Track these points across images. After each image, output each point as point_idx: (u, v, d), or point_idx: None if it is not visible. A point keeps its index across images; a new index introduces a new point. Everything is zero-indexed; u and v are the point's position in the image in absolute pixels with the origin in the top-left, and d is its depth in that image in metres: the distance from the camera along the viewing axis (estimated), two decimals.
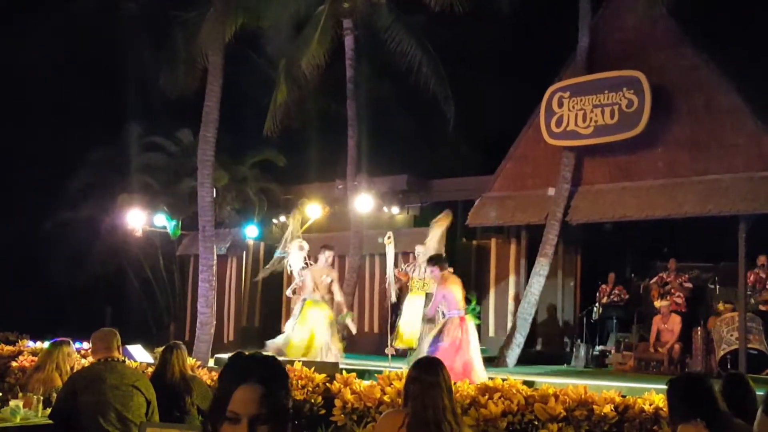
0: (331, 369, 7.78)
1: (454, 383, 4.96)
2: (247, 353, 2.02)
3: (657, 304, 11.61)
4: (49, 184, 18.52)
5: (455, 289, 8.24)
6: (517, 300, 12.38)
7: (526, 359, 11.63)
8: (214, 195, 12.36)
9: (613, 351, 11.87)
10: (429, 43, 13.52)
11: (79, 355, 7.62)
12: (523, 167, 12.87)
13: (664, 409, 5.37)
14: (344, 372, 7.47)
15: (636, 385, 7.51)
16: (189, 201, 16.04)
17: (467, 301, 8.45)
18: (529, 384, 6.85)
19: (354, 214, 13.14)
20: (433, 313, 8.94)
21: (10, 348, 10.58)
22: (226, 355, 10.06)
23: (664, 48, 11.66)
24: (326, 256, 9.81)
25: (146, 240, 16.63)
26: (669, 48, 11.63)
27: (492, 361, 10.73)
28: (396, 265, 10.74)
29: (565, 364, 12.08)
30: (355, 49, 13.43)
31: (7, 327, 14.45)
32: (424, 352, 8.16)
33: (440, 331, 8.18)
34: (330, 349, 9.56)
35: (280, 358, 7.92)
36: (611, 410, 5.63)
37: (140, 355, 9.60)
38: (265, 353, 2.05)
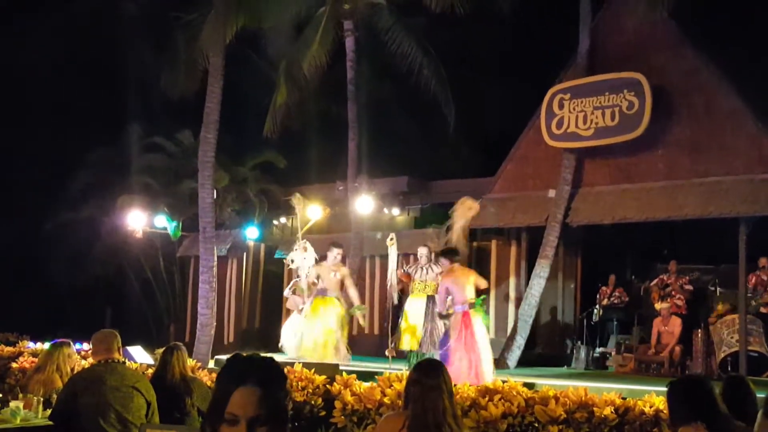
0: (331, 370, 7.77)
1: (455, 384, 4.96)
2: (245, 355, 2.02)
3: (657, 306, 11.60)
4: (50, 184, 18.54)
5: (459, 282, 8.17)
6: (518, 302, 12.37)
7: (527, 361, 11.62)
8: (215, 196, 12.37)
9: (613, 353, 11.86)
10: (429, 44, 13.53)
11: (79, 357, 7.61)
12: (524, 169, 12.87)
13: (665, 412, 5.36)
14: (344, 373, 7.47)
15: (636, 387, 7.50)
16: (189, 202, 16.07)
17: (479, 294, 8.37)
18: (530, 386, 6.85)
19: (354, 216, 13.14)
20: (442, 309, 8.85)
21: (10, 349, 10.58)
22: (226, 357, 10.08)
23: (665, 50, 11.66)
24: (335, 254, 9.85)
25: (147, 241, 16.64)
26: (669, 50, 11.63)
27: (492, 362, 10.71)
28: (398, 266, 10.71)
29: (566, 366, 12.07)
30: (356, 51, 13.43)
31: (7, 327, 14.45)
32: (427, 354, 8.17)
33: (446, 331, 8.18)
34: (338, 350, 9.52)
35: (298, 360, 7.90)
36: (611, 412, 5.63)
37: (140, 356, 9.60)
38: (264, 355, 2.05)
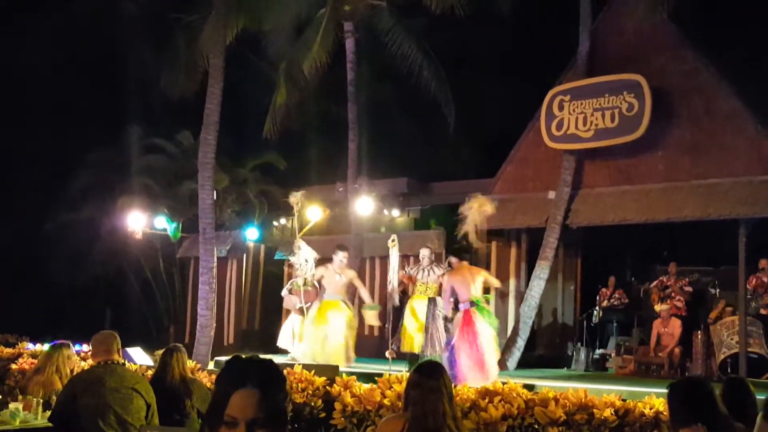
0: (331, 372, 7.77)
1: (457, 384, 4.95)
2: (244, 357, 2.02)
3: (657, 307, 11.60)
4: (50, 184, 18.56)
5: (465, 280, 8.16)
6: (518, 303, 12.36)
7: (527, 363, 11.61)
8: (215, 197, 12.37)
9: (613, 355, 11.86)
10: (429, 45, 13.54)
11: (78, 358, 7.61)
12: (524, 170, 12.87)
13: (665, 413, 5.36)
14: (344, 375, 7.47)
15: (636, 389, 7.49)
16: (189, 203, 16.07)
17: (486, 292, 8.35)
18: (530, 387, 6.85)
19: (354, 217, 13.14)
20: (448, 309, 8.79)
21: (9, 350, 10.58)
22: (226, 358, 10.06)
23: (665, 52, 11.66)
24: (340, 257, 9.68)
25: (146, 242, 16.64)
26: (669, 52, 11.63)
27: None
28: (399, 267, 10.67)
29: (566, 368, 12.06)
30: (356, 52, 13.44)
31: (6, 327, 14.46)
32: (429, 356, 8.16)
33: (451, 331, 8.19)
34: (349, 357, 9.37)
35: (307, 362, 7.80)
36: (611, 414, 5.63)
37: (140, 357, 9.59)
38: (264, 357, 2.05)
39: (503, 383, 6.52)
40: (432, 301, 9.82)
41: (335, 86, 14.56)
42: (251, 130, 15.02)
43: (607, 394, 5.97)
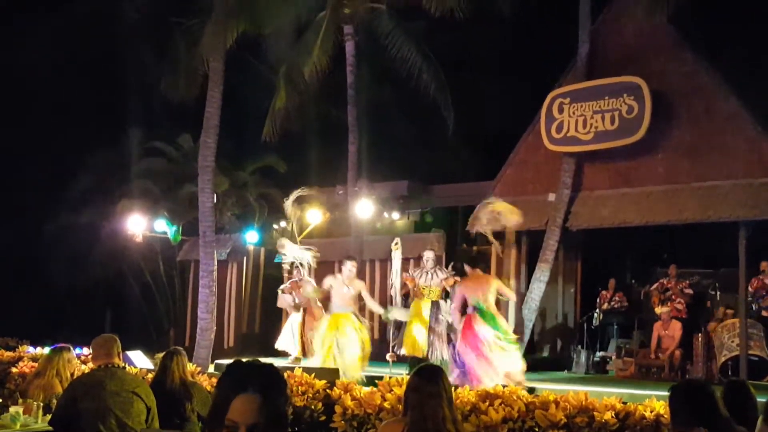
0: (331, 375, 7.77)
1: (455, 388, 4.95)
2: (245, 361, 2.02)
3: (658, 310, 11.60)
4: (50, 186, 18.55)
5: (474, 289, 8.15)
6: (518, 306, 12.34)
7: (527, 365, 11.57)
8: (215, 200, 12.37)
9: (613, 357, 11.85)
10: (429, 47, 13.55)
11: (79, 361, 7.60)
12: (524, 173, 12.87)
13: (665, 416, 5.36)
14: (344, 378, 7.46)
15: (637, 391, 7.49)
16: (189, 206, 16.06)
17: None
18: (530, 390, 6.85)
19: (354, 220, 13.15)
20: (457, 321, 8.67)
21: (10, 354, 10.56)
22: (226, 361, 10.05)
23: (664, 54, 11.67)
24: (348, 267, 9.28)
25: (147, 245, 16.64)
26: (669, 54, 11.65)
27: None
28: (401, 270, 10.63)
29: (566, 371, 12.05)
30: (356, 55, 13.46)
31: (6, 329, 14.44)
32: (432, 359, 8.12)
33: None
34: (363, 367, 9.18)
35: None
36: (612, 417, 5.62)
37: (140, 361, 9.59)
38: (265, 361, 2.05)
39: (503, 386, 6.51)
40: (435, 305, 9.80)
41: (335, 89, 14.57)
42: (251, 133, 15.02)
43: (607, 397, 5.96)
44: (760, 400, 4.01)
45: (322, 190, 15.85)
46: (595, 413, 5.66)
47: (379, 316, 10.52)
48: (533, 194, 12.50)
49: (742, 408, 3.76)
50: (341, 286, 9.14)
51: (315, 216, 12.60)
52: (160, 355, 6.44)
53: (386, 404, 6.40)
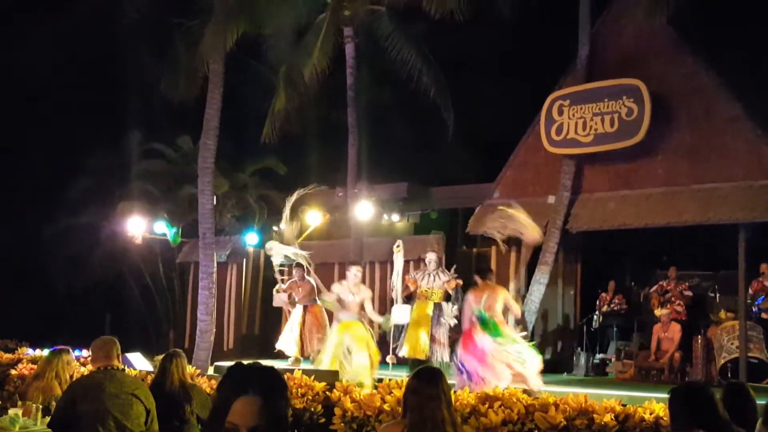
0: (330, 377, 7.76)
1: (453, 391, 4.94)
2: (246, 364, 2.02)
3: (657, 312, 11.60)
4: (50, 187, 18.55)
5: (476, 298, 8.15)
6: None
7: None
8: (215, 202, 12.37)
9: (613, 359, 11.85)
10: (429, 49, 13.55)
11: (78, 363, 7.60)
12: (523, 175, 12.88)
13: (665, 418, 5.36)
14: (344, 380, 7.45)
15: (636, 393, 7.49)
16: (189, 208, 16.06)
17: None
18: (530, 393, 6.83)
19: (354, 222, 13.14)
20: (468, 325, 8.63)
21: (9, 356, 10.55)
22: (225, 363, 10.05)
23: (664, 56, 11.68)
24: (353, 272, 9.06)
25: (146, 247, 16.64)
26: (668, 56, 11.65)
27: None
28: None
29: (566, 373, 12.05)
30: (356, 57, 13.46)
31: (6, 331, 14.44)
32: (434, 361, 8.10)
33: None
34: (372, 375, 9.11)
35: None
36: (612, 419, 5.62)
37: (140, 363, 9.59)
38: (265, 364, 2.05)
39: (503, 388, 6.51)
40: (437, 307, 9.78)
41: (335, 91, 14.56)
42: (251, 134, 15.02)
43: (607, 399, 5.96)
44: (760, 402, 4.01)
45: (322, 191, 15.86)
46: (594, 415, 5.65)
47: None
48: (533, 196, 12.50)
49: (741, 410, 3.76)
50: (347, 294, 8.97)
51: (314, 218, 12.60)
52: (160, 357, 6.43)
53: (386, 406, 6.39)
